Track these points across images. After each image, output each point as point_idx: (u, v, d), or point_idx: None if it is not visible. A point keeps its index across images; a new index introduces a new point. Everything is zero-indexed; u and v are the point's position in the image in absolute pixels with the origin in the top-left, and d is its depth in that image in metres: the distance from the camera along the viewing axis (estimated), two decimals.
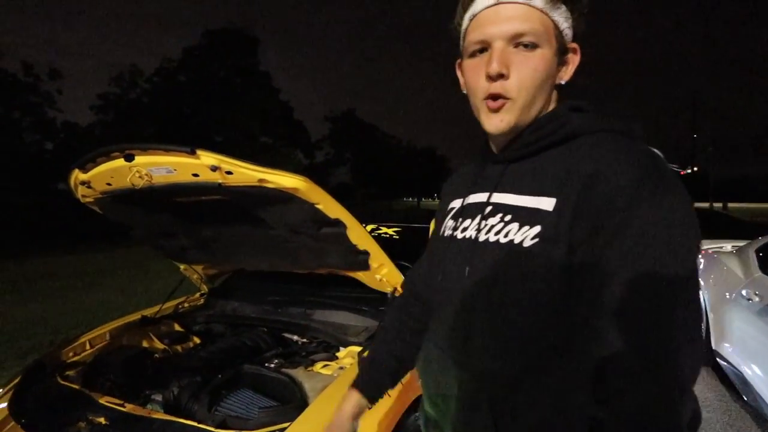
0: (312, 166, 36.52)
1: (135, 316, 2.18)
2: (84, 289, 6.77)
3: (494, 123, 0.65)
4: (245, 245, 1.98)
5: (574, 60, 0.67)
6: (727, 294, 3.21)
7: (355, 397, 0.87)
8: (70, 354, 1.83)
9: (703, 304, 3.56)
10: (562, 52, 0.65)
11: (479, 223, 0.68)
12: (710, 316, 3.34)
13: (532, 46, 0.62)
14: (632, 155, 0.57)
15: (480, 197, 0.71)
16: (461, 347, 0.60)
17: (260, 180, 1.38)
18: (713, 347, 3.19)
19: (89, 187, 1.64)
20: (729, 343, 2.95)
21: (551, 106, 0.68)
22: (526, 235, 0.61)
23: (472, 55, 0.66)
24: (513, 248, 0.61)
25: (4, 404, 1.43)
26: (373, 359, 0.90)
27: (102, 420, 1.28)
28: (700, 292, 3.65)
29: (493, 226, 0.65)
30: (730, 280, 3.31)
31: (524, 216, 0.62)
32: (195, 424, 1.25)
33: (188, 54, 23.82)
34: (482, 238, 0.66)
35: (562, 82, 0.67)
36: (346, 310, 1.98)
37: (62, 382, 1.56)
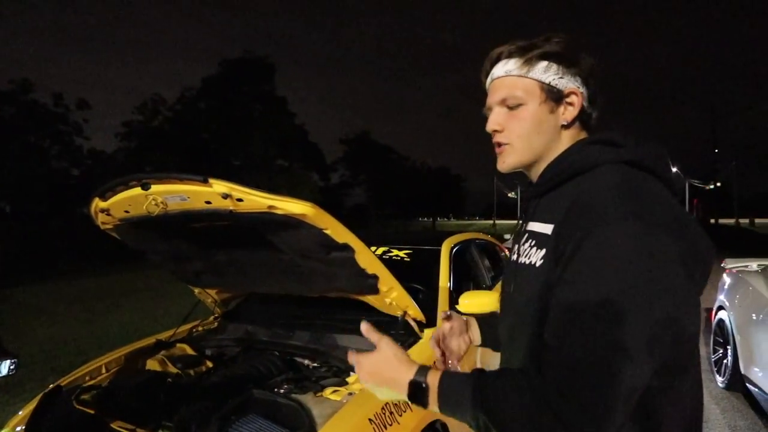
0: (327, 187, 36.95)
1: (150, 340, 2.22)
2: (107, 311, 6.92)
3: (499, 164, 0.84)
4: (257, 269, 2.01)
5: (575, 101, 0.78)
6: (754, 315, 3.08)
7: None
8: (87, 378, 1.87)
9: (729, 327, 3.42)
10: (555, 100, 0.78)
11: (519, 249, 0.83)
12: (737, 338, 3.19)
13: (516, 106, 0.79)
14: (611, 181, 0.68)
15: (525, 227, 0.85)
16: (508, 347, 0.78)
17: (269, 207, 1.41)
18: (742, 372, 3.04)
19: (108, 214, 1.71)
20: (759, 367, 2.82)
21: (563, 144, 0.80)
22: (537, 256, 0.74)
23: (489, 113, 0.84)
24: (531, 268, 0.74)
25: (21, 427, 1.47)
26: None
27: None
28: (726, 314, 3.52)
29: (525, 251, 0.79)
30: (757, 301, 3.18)
31: (538, 240, 0.75)
32: None
33: (207, 83, 24.71)
34: (520, 261, 0.80)
35: (566, 123, 0.79)
36: (357, 334, 1.96)
37: (77, 407, 1.59)
